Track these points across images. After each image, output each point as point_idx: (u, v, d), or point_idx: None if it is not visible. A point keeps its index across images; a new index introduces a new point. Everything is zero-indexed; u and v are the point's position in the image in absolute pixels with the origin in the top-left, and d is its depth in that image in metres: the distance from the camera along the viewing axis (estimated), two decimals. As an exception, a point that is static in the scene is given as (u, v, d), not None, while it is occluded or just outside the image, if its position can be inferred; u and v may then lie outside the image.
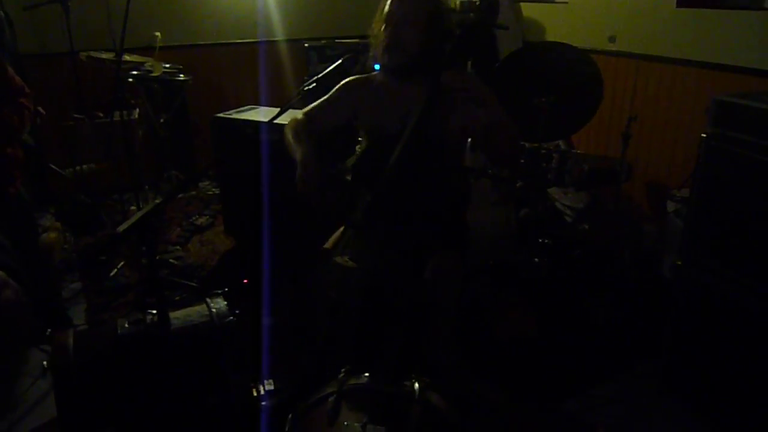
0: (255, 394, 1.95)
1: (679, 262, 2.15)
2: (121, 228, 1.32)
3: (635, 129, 2.86)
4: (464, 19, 1.74)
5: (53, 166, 3.97)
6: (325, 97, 2.10)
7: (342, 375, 1.50)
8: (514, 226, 3.10)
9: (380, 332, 1.71)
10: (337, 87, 2.09)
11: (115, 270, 3.29)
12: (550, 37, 4.21)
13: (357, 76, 2.09)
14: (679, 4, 3.21)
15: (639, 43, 3.45)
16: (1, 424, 2.08)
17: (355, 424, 1.35)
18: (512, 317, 2.76)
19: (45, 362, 1.69)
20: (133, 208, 3.73)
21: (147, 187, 4.19)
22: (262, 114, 3.41)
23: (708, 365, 2.11)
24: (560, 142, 3.60)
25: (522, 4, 4.38)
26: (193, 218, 4.03)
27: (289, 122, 2.06)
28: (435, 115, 1.64)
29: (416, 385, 1.46)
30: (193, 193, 4.51)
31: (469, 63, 4.12)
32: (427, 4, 1.88)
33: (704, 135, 2.01)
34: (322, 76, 1.92)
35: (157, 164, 4.40)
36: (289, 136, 2.02)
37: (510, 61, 3.03)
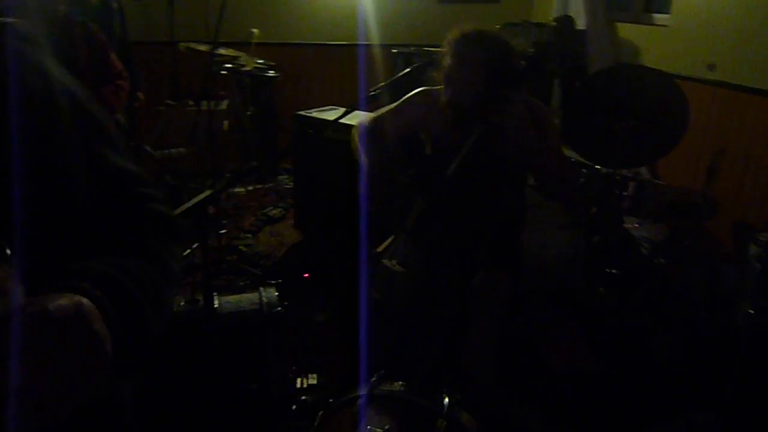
0: (299, 385, 1.99)
1: (752, 311, 2.00)
2: (175, 213, 1.38)
3: (725, 163, 2.69)
4: (540, 38, 1.70)
5: (147, 147, 4.23)
6: (393, 105, 2.11)
7: (374, 379, 1.51)
8: (582, 252, 2.99)
9: (419, 339, 1.71)
10: (405, 98, 2.11)
11: (189, 251, 3.46)
12: (646, 60, 4.03)
13: (425, 89, 2.09)
14: (790, 35, 2.99)
15: (739, 74, 3.23)
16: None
17: (378, 430, 1.36)
18: (568, 347, 2.66)
19: None
20: (211, 193, 3.91)
21: (228, 174, 4.37)
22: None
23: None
24: (643, 170, 3.44)
25: (619, 24, 4.22)
26: (267, 209, 4.18)
27: (357, 125, 2.09)
28: (495, 132, 1.62)
29: (446, 399, 1.45)
30: (271, 185, 4.67)
31: (556, 81, 4.04)
32: (486, 56, 1.77)
33: (793, 177, 1.87)
34: (390, 83, 1.94)
35: (241, 154, 4.60)
36: (356, 139, 2.05)
37: (594, 81, 2.94)
